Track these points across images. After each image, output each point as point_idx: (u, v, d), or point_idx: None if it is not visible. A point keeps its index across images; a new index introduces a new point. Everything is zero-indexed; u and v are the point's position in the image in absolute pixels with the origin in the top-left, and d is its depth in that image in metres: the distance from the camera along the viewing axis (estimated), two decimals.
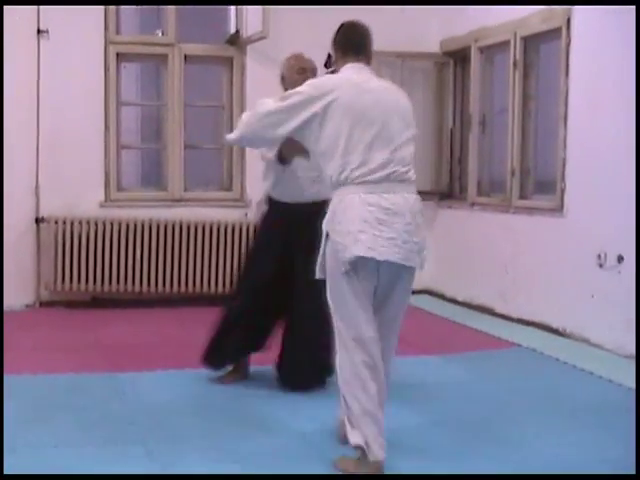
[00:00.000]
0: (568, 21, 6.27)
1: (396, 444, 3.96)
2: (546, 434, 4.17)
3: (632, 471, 3.51)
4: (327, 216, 3.65)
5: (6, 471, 3.27)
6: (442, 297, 8.09)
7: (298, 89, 3.74)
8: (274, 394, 4.77)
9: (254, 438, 4.03)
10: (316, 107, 3.60)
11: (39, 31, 7.21)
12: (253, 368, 5.08)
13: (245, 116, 3.93)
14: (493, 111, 7.69)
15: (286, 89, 4.46)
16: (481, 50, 7.54)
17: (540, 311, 6.66)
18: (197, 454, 3.79)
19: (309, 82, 3.81)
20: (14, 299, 7.23)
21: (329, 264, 3.62)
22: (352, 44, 3.86)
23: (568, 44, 6.28)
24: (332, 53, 4.00)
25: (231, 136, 4.02)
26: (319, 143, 3.64)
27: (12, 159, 7.15)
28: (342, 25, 3.94)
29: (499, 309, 7.21)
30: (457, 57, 8.05)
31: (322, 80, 3.83)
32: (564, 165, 6.35)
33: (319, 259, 3.68)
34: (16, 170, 7.19)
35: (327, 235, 3.62)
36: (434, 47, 8.13)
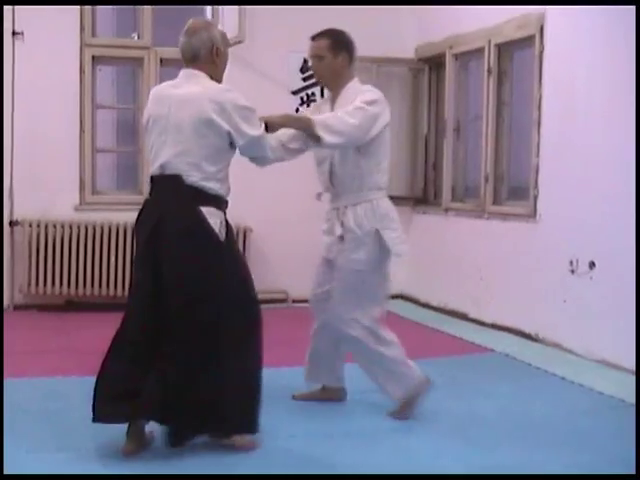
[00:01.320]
0: (541, 28, 6.33)
1: (371, 446, 4.01)
2: (518, 437, 4.21)
3: (631, 471, 3.53)
4: (374, 215, 4.39)
5: None
6: (416, 302, 8.13)
7: (374, 99, 4.28)
8: None
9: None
10: (386, 117, 4.32)
11: (14, 33, 7.18)
12: None
13: (337, 123, 4.18)
14: (467, 117, 7.74)
15: None
16: (456, 57, 7.59)
17: (513, 316, 6.71)
18: (175, 456, 3.78)
19: (376, 93, 4.34)
20: None
21: (378, 256, 4.41)
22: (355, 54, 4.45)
23: (541, 51, 6.34)
24: (340, 56, 4.39)
25: (332, 140, 4.18)
26: (381, 148, 4.38)
27: None
28: (345, 32, 4.45)
29: (473, 314, 7.26)
30: (432, 63, 8.10)
31: (380, 93, 4.36)
32: (537, 171, 6.41)
33: (365, 255, 4.37)
34: None
35: (376, 232, 4.37)
36: (409, 53, 8.18)
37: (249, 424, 3.88)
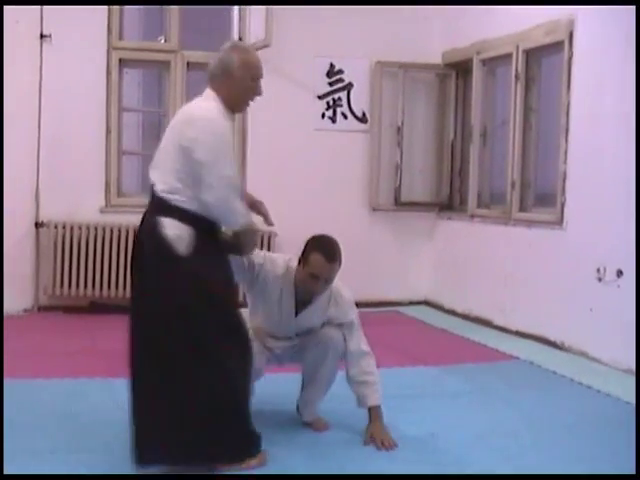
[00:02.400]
0: (570, 34, 6.28)
1: (392, 454, 3.98)
2: (543, 447, 4.16)
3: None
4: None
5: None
6: (440, 308, 8.09)
7: None
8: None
9: None
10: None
11: (42, 35, 7.21)
12: None
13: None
14: (494, 123, 7.70)
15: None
16: (483, 62, 7.55)
17: (538, 324, 6.65)
18: None
19: None
20: (12, 303, 7.22)
21: None
22: None
23: (570, 57, 6.29)
24: None
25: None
26: None
27: (13, 163, 7.15)
28: None
29: (497, 321, 7.20)
30: (459, 69, 8.06)
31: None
32: (564, 178, 6.36)
33: None
34: (17, 174, 7.19)
35: None
36: (436, 58, 8.15)
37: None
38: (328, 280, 4.15)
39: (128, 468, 3.61)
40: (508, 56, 7.08)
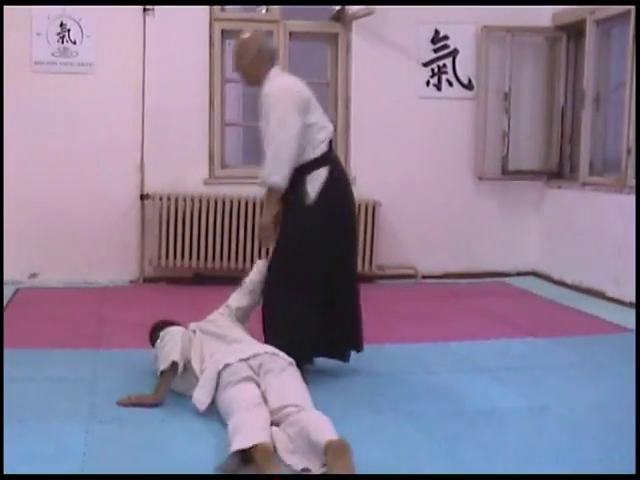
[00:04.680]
0: None
1: (505, 427, 3.85)
2: None
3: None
4: None
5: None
6: (549, 279, 7.84)
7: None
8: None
9: None
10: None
11: (145, 9, 7.24)
12: None
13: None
14: (608, 87, 7.37)
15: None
16: (597, 23, 7.22)
17: None
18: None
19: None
20: (118, 274, 7.35)
21: None
22: None
23: None
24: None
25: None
26: None
27: (118, 136, 7.24)
28: None
29: (610, 293, 6.93)
30: (570, 31, 7.74)
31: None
32: None
33: None
34: (122, 147, 7.28)
35: None
36: (546, 21, 7.85)
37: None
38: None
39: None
40: (625, 15, 6.74)
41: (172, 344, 4.12)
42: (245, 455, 3.25)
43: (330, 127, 4.63)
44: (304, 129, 4.41)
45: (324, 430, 3.30)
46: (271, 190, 4.45)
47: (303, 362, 4.33)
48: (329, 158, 4.56)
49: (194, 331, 4.37)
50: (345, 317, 4.57)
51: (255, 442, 3.25)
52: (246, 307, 4.59)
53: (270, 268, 4.55)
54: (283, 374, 3.84)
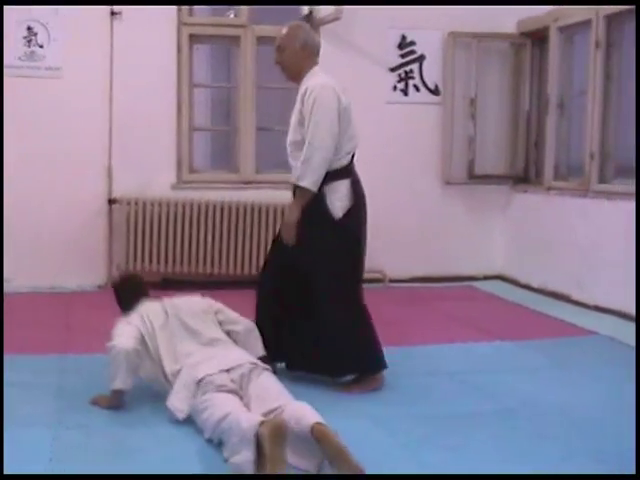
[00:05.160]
0: None
1: (471, 430, 3.88)
2: (625, 422, 4.02)
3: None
4: None
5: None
6: (515, 283, 7.92)
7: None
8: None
9: None
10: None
11: (113, 13, 7.22)
12: None
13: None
14: (572, 93, 7.47)
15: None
16: (561, 30, 7.32)
17: (618, 298, 6.45)
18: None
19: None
20: (86, 279, 7.32)
21: None
22: None
23: None
24: None
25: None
26: None
27: (86, 140, 7.22)
28: None
29: (575, 296, 7.02)
30: (535, 37, 7.83)
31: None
32: None
33: None
34: (89, 151, 7.26)
35: None
36: (511, 28, 7.94)
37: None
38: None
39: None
40: (587, 23, 6.84)
41: (115, 365, 3.97)
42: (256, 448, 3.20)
43: (357, 139, 4.51)
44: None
45: (306, 417, 3.30)
46: (301, 192, 4.35)
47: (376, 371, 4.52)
48: (350, 171, 4.46)
49: (166, 312, 4.28)
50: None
51: (262, 419, 3.25)
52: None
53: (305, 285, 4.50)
54: (260, 379, 3.82)
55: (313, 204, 4.37)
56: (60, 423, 3.85)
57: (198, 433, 3.69)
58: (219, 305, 4.44)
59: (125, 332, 4.09)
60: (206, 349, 4.06)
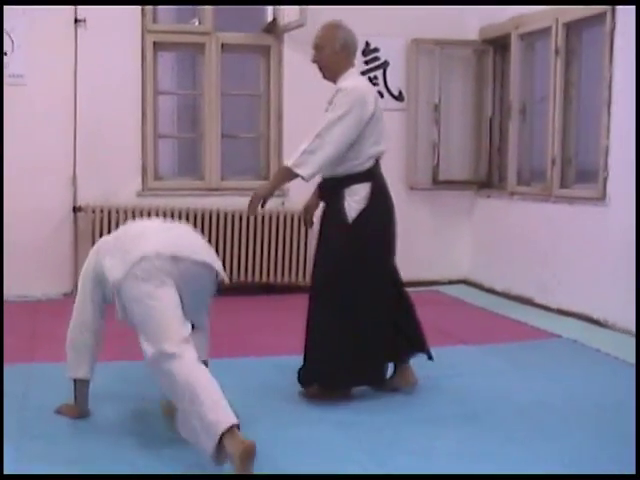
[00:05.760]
0: (613, 5, 6.13)
1: (435, 434, 3.93)
2: (587, 425, 4.09)
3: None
4: None
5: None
6: (480, 287, 8.00)
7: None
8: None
9: None
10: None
11: (76, 20, 7.20)
12: None
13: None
14: (533, 99, 7.56)
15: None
16: (521, 37, 7.41)
17: (581, 302, 6.55)
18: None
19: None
20: (51, 288, 7.28)
21: None
22: None
23: (613, 29, 6.14)
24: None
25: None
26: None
27: (50, 148, 7.19)
28: None
29: (538, 300, 7.10)
30: (497, 44, 7.92)
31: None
32: (607, 153, 6.23)
33: None
34: (54, 159, 7.23)
35: None
36: (473, 34, 8.03)
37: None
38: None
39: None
40: (547, 30, 6.94)
41: (82, 353, 4.05)
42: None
43: (383, 147, 4.44)
44: (356, 141, 4.28)
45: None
46: (286, 172, 4.33)
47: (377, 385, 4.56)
48: (373, 175, 4.39)
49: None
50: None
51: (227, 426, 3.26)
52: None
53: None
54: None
55: (332, 205, 4.39)
56: (24, 433, 3.83)
57: (166, 442, 3.69)
58: None
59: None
60: None
